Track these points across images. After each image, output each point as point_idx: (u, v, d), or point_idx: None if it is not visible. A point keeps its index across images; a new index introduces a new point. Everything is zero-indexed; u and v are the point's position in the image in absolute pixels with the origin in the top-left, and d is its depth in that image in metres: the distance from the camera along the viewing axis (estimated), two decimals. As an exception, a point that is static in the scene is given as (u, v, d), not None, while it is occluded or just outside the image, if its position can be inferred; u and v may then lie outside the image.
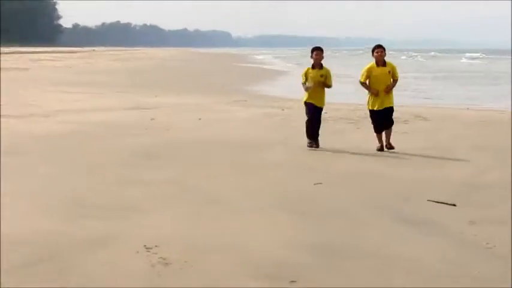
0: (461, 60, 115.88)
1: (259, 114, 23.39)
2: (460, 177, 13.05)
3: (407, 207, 10.59)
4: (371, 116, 16.06)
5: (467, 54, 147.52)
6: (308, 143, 16.10)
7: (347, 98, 31.83)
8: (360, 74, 16.12)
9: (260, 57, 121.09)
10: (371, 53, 15.98)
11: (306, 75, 16.10)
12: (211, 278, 7.14)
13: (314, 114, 16.11)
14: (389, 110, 15.83)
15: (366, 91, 16.06)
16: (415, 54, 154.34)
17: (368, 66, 15.84)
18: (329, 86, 16.18)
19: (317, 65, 16.15)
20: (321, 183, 12.18)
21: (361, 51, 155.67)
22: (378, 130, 15.97)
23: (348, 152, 15.92)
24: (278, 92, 38.27)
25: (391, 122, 15.84)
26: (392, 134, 16.13)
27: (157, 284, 6.91)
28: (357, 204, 10.70)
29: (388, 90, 15.68)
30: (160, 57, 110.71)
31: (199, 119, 21.57)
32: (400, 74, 16.53)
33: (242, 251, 8.10)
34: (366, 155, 15.55)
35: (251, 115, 23.05)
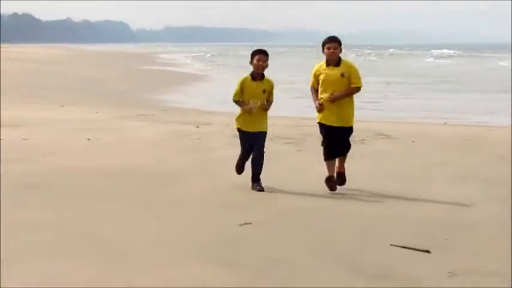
0: (426, 60, 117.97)
1: (169, 133, 23.37)
2: (435, 216, 13.13)
3: (366, 255, 10.62)
4: (320, 133, 15.07)
5: (435, 52, 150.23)
6: (253, 185, 15.17)
7: (285, 110, 31.95)
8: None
9: (169, 56, 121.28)
10: (321, 48, 14.85)
11: (241, 87, 14.86)
12: None
13: (249, 145, 15.20)
14: (347, 130, 14.88)
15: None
16: (369, 51, 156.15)
17: (315, 68, 15.05)
18: (270, 104, 15.19)
19: (258, 76, 14.89)
20: (250, 223, 12.16)
21: (299, 49, 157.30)
22: (329, 155, 14.92)
23: (286, 183, 15.98)
24: (192, 102, 38.55)
25: (348, 146, 15.07)
26: (346, 159, 15.39)
27: None
28: (298, 252, 10.70)
29: (334, 98, 14.54)
30: (35, 59, 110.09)
31: (88, 139, 21.42)
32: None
33: None
34: (311, 185, 15.57)
35: (158, 134, 23.06)
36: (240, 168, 15.62)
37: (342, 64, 14.70)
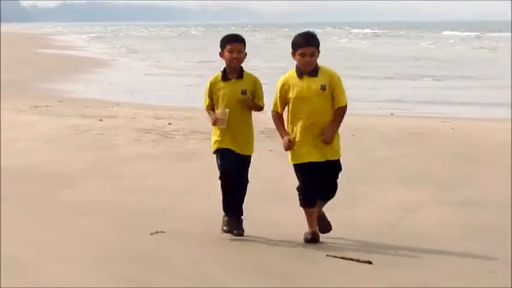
0: (341, 41, 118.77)
1: (67, 128, 23.19)
2: (378, 221, 13.30)
3: (299, 266, 10.71)
4: (297, 174, 11.66)
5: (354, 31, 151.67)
6: (223, 225, 12.03)
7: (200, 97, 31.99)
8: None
9: (66, 38, 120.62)
10: (291, 50, 11.51)
11: (210, 92, 11.80)
12: None
13: (231, 168, 11.72)
14: (334, 165, 11.61)
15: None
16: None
17: (282, 80, 11.58)
18: (259, 109, 11.85)
19: (234, 72, 11.68)
20: (162, 231, 12.19)
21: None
22: (309, 199, 11.60)
23: (204, 182, 15.87)
24: (95, 92, 38.43)
25: (335, 188, 11.78)
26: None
27: None
28: (214, 262, 10.82)
29: (327, 136, 11.37)
30: None
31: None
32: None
33: None
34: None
35: (54, 130, 22.82)
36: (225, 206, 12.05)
37: (320, 73, 11.30)
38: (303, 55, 11.21)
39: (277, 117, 11.55)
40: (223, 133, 11.55)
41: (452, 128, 24.16)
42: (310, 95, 11.21)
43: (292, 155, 11.45)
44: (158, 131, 22.11)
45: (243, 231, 11.81)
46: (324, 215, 11.85)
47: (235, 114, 11.39)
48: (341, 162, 11.68)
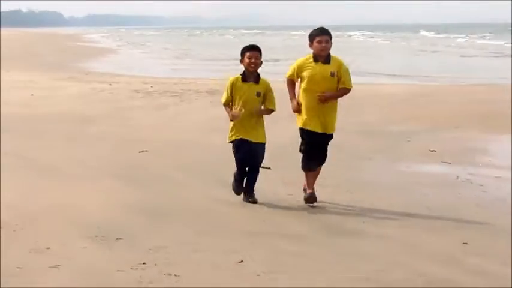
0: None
1: (90, 89, 23.03)
2: (272, 144, 13.10)
3: (225, 171, 10.76)
4: (303, 138, 9.31)
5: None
6: (245, 196, 9.23)
7: (170, 70, 31.85)
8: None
9: (90, 36, 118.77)
10: (308, 41, 9.21)
11: (231, 90, 9.15)
12: (45, 238, 7.16)
13: (245, 156, 9.15)
14: (328, 138, 9.35)
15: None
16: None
17: (300, 60, 9.26)
18: (271, 111, 9.23)
19: (251, 76, 9.10)
20: (146, 150, 12.22)
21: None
22: (310, 164, 9.32)
23: (176, 119, 16.20)
24: (106, 68, 37.83)
25: (325, 156, 9.41)
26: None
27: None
28: (180, 170, 10.87)
29: (325, 98, 9.06)
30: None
31: (32, 94, 20.99)
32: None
33: (73, 213, 8.15)
34: (188, 126, 15.60)
35: (82, 90, 22.66)
36: (238, 187, 9.36)
37: (332, 61, 9.14)
38: (320, 42, 8.98)
39: (291, 83, 9.24)
40: (239, 126, 9.02)
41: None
42: (321, 78, 8.99)
43: (301, 121, 9.15)
44: (144, 91, 21.94)
45: (256, 200, 9.08)
46: (313, 187, 9.20)
47: (250, 110, 8.98)
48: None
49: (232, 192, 9.28)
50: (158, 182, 10.05)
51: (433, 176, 10.94)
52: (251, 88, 9.01)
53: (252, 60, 8.95)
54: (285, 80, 9.29)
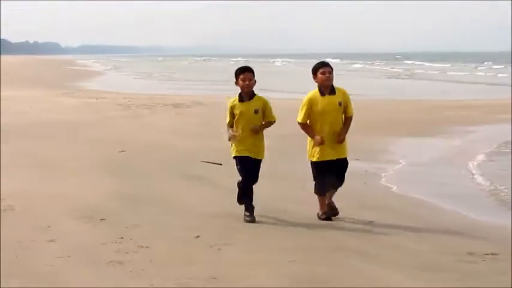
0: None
1: (81, 103, 22.67)
2: (224, 146, 13.04)
3: (187, 167, 10.79)
4: (315, 170, 7.83)
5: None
6: (245, 215, 7.60)
7: (144, 88, 31.67)
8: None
9: (83, 61, 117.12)
10: (312, 75, 7.78)
11: (231, 112, 7.75)
12: (43, 218, 7.22)
13: (250, 171, 7.67)
14: (344, 163, 7.81)
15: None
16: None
17: (308, 96, 7.75)
18: (270, 123, 7.78)
19: (247, 95, 7.71)
20: (124, 150, 12.14)
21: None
22: (323, 191, 7.82)
23: (148, 126, 15.98)
24: (96, 86, 37.40)
25: (344, 179, 7.87)
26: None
27: (4, 224, 6.94)
28: (151, 166, 10.84)
29: (342, 137, 7.69)
30: (13, 63, 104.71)
31: (31, 107, 20.53)
32: None
33: (69, 199, 8.18)
34: (158, 132, 15.40)
35: (75, 103, 22.30)
36: (244, 196, 7.77)
37: (337, 91, 7.72)
38: (323, 73, 7.59)
39: (306, 126, 7.68)
40: (241, 142, 7.59)
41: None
42: (331, 109, 7.61)
43: (314, 155, 7.68)
44: (124, 104, 21.69)
45: (255, 218, 7.52)
46: (333, 202, 7.83)
47: (250, 129, 7.58)
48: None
49: (193, 182, 9.35)
50: (134, 174, 10.03)
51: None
52: (249, 107, 7.65)
53: (246, 83, 7.61)
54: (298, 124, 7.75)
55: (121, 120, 17.50)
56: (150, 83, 44.37)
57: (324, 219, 7.66)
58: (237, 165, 7.69)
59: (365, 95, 26.84)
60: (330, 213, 7.73)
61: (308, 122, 7.68)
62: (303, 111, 7.66)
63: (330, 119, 7.60)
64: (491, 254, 6.23)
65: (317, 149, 7.61)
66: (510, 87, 31.11)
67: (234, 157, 7.68)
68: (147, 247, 6.17)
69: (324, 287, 5.26)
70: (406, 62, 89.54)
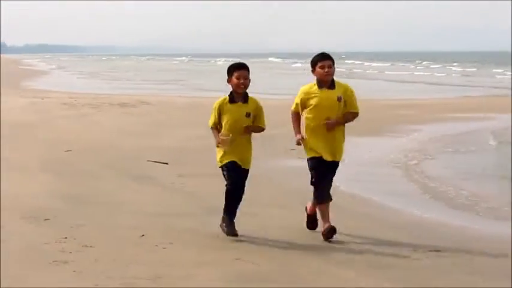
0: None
1: (27, 101, 22.18)
2: (171, 145, 12.95)
3: (133, 166, 10.64)
4: (314, 169, 6.82)
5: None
6: (224, 226, 6.72)
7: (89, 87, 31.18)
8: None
9: (29, 61, 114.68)
10: (310, 68, 6.84)
11: (218, 113, 6.73)
12: None
13: (238, 179, 6.66)
14: (336, 166, 6.91)
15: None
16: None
17: (305, 88, 6.87)
18: (261, 130, 6.83)
19: (240, 97, 6.70)
20: (70, 150, 11.91)
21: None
22: (324, 195, 6.81)
23: (94, 125, 15.68)
24: (41, 85, 36.72)
25: (331, 184, 6.99)
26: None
27: None
28: (97, 166, 10.65)
29: (332, 125, 6.72)
30: None
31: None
32: None
33: (13, 199, 8.01)
34: (103, 131, 15.15)
35: (21, 103, 21.75)
36: (231, 225, 6.73)
37: (337, 86, 6.78)
38: (322, 67, 6.66)
39: (296, 117, 6.84)
40: (229, 149, 6.57)
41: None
42: (328, 104, 6.67)
43: (311, 152, 6.75)
44: (69, 104, 21.33)
45: (237, 232, 6.63)
46: (316, 214, 6.96)
47: (240, 132, 6.61)
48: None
49: (139, 181, 9.23)
50: (79, 174, 9.84)
51: (291, 168, 10.91)
52: (240, 109, 6.63)
53: (241, 81, 6.57)
54: (290, 113, 6.91)
55: (67, 120, 17.19)
56: (94, 82, 43.80)
57: (329, 238, 6.62)
58: (223, 172, 6.67)
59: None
60: (309, 225, 7.01)
61: (305, 115, 6.78)
62: (297, 102, 6.84)
63: (327, 114, 6.67)
64: (435, 250, 6.31)
65: (311, 144, 6.72)
66: (447, 87, 32.02)
67: (222, 165, 6.64)
68: (91, 247, 6.06)
69: (270, 286, 5.23)
70: (346, 61, 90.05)
